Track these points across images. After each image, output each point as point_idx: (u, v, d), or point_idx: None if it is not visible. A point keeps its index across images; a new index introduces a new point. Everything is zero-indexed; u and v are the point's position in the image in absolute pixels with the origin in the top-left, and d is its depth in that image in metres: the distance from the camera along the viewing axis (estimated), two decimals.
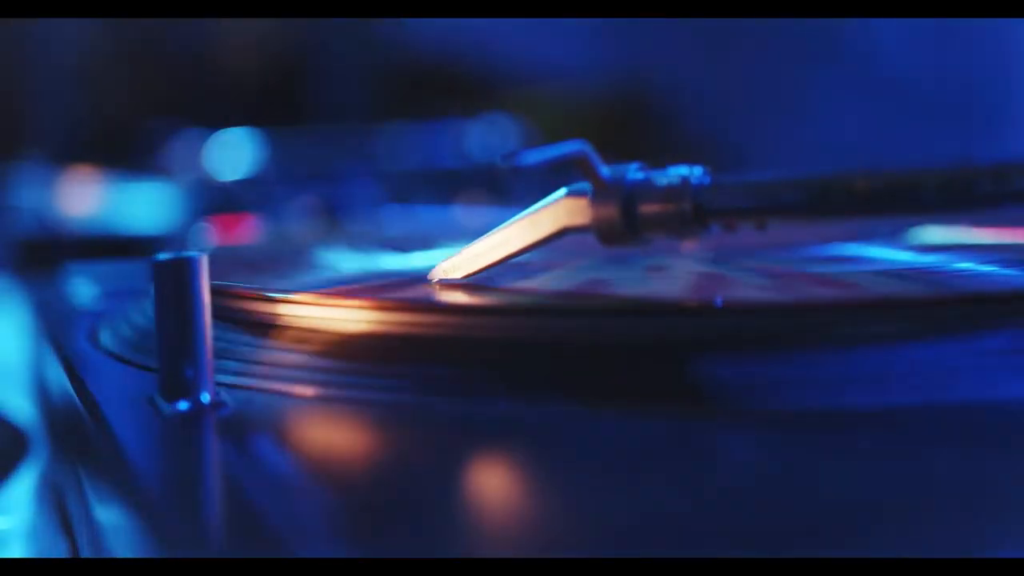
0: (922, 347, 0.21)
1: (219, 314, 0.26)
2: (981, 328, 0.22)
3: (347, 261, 0.35)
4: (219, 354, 0.24)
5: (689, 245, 0.30)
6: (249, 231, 0.55)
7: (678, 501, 0.16)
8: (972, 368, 0.21)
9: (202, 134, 0.79)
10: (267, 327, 0.25)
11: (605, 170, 0.26)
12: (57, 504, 0.30)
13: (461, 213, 0.58)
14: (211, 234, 0.54)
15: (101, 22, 1.15)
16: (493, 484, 0.18)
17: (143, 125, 0.80)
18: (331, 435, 0.21)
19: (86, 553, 0.25)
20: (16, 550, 0.28)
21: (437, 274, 0.27)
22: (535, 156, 0.25)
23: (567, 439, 0.20)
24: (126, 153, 0.80)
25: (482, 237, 0.27)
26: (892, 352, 0.21)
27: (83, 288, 0.38)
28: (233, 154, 0.78)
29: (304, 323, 0.25)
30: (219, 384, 0.22)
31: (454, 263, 0.27)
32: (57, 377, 0.28)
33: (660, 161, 0.27)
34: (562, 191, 0.27)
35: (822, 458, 0.18)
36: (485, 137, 0.79)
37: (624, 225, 0.26)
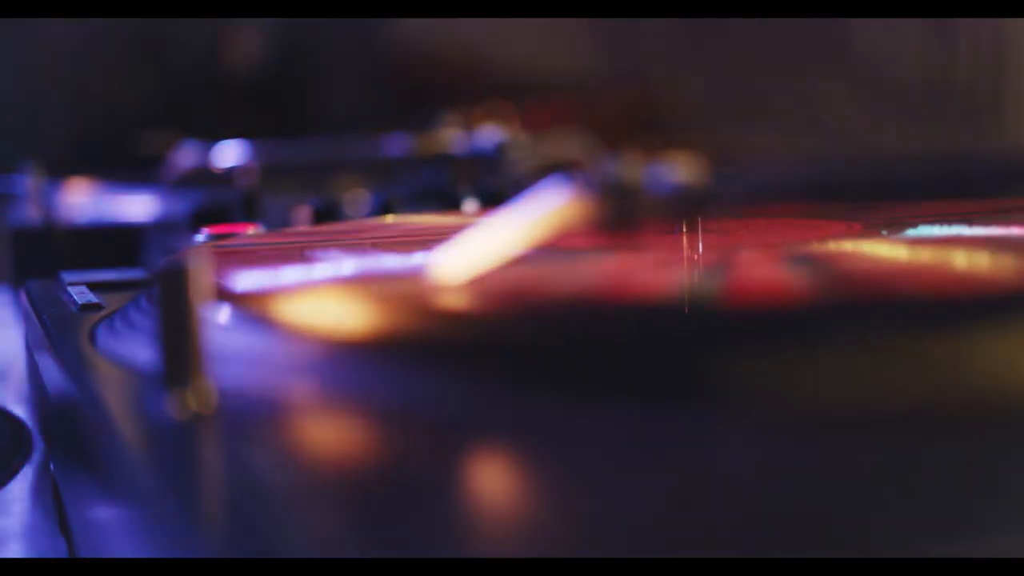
0: (913, 346, 0.21)
1: (218, 313, 0.26)
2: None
3: (342, 259, 0.35)
4: (218, 353, 0.24)
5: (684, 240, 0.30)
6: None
7: (677, 501, 0.16)
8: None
9: (201, 144, 0.79)
10: (266, 325, 0.25)
11: (601, 167, 0.26)
12: (56, 504, 0.30)
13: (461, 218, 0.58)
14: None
15: (101, 31, 1.15)
16: (493, 484, 0.18)
17: (142, 135, 0.80)
18: (331, 434, 0.21)
19: (85, 553, 0.25)
20: (15, 550, 0.28)
21: (434, 272, 0.27)
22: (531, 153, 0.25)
23: (567, 438, 0.20)
24: (125, 162, 0.80)
25: (479, 234, 0.27)
26: (884, 349, 0.21)
27: (82, 291, 0.38)
28: (232, 164, 0.78)
29: (302, 319, 0.25)
30: (217, 383, 0.22)
31: (451, 261, 0.27)
32: (57, 377, 0.28)
33: (655, 158, 0.27)
34: (558, 187, 0.27)
35: (820, 458, 0.18)
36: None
37: (620, 220, 0.26)
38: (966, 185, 0.22)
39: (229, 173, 0.79)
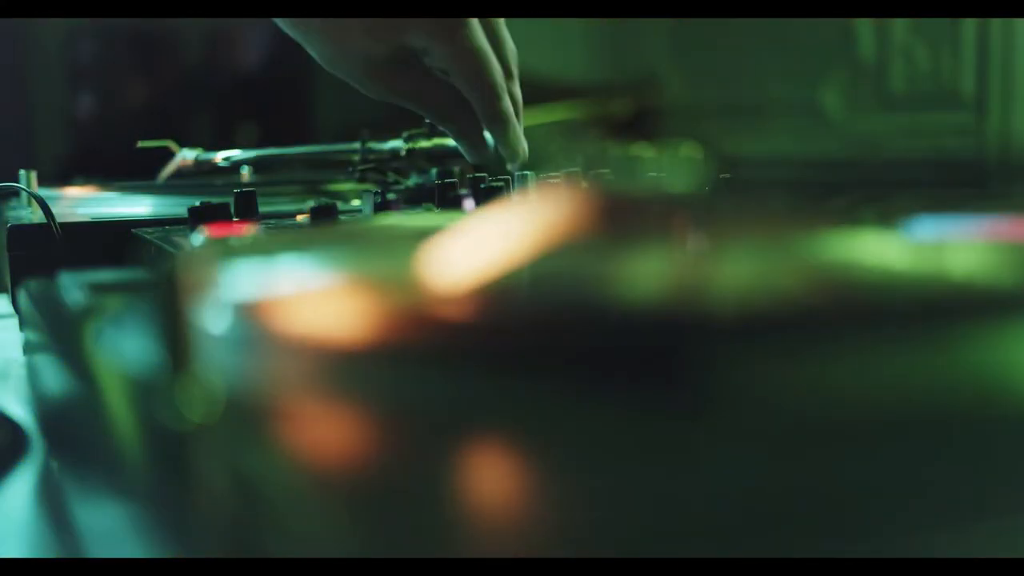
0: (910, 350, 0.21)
1: (216, 313, 0.26)
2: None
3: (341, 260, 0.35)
4: (217, 353, 0.24)
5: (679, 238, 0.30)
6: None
7: (676, 501, 0.17)
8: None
9: (201, 145, 0.80)
10: (265, 325, 0.25)
11: (602, 168, 0.27)
12: (56, 504, 0.30)
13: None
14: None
15: (102, 41, 1.15)
16: (493, 484, 0.18)
17: (142, 136, 0.80)
18: (330, 435, 0.21)
19: (86, 553, 0.25)
20: (15, 550, 0.28)
21: (435, 274, 0.27)
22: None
23: (568, 439, 0.20)
24: (125, 163, 0.80)
25: (480, 236, 0.27)
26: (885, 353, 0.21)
27: (83, 292, 0.38)
28: (230, 165, 0.78)
29: (301, 321, 0.25)
30: (216, 383, 0.22)
31: (452, 262, 0.27)
32: (57, 377, 0.28)
33: (657, 159, 0.28)
34: (554, 186, 0.27)
35: (819, 459, 0.18)
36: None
37: (615, 218, 0.26)
38: (963, 184, 0.23)
39: (228, 174, 0.79)
